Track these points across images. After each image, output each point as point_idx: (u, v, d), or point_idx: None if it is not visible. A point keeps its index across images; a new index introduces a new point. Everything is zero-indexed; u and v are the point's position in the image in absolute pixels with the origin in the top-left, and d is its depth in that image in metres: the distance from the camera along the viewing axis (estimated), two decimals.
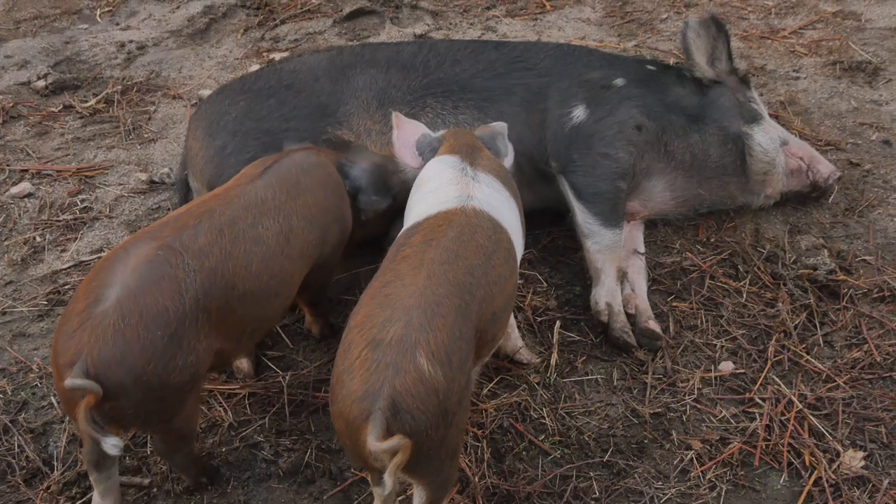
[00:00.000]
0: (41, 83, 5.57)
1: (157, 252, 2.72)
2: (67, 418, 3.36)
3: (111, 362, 2.52)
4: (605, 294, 3.79)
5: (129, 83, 5.60)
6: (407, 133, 3.42)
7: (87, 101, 5.40)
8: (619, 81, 4.16)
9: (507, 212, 3.08)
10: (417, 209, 3.05)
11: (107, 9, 6.43)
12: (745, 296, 3.88)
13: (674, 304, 3.87)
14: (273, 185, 3.15)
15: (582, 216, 3.92)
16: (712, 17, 4.30)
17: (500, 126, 3.52)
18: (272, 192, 3.12)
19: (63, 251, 4.25)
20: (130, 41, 6.05)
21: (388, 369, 2.37)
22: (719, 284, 3.94)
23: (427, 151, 3.35)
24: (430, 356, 2.41)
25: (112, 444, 2.54)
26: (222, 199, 3.03)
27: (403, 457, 2.27)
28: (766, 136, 4.25)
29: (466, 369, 2.57)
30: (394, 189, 3.62)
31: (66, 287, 4.02)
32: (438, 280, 2.61)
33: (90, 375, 2.49)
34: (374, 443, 2.28)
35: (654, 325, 3.71)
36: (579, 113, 4.03)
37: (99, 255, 4.19)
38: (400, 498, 2.91)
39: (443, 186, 3.08)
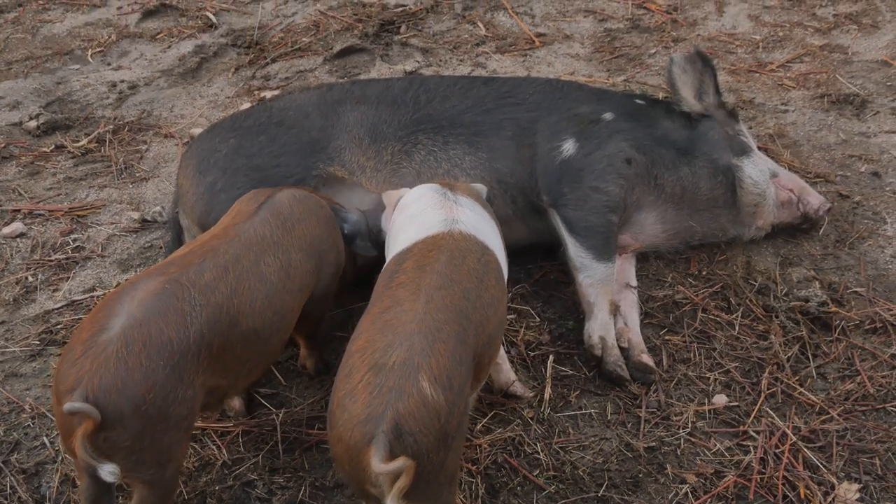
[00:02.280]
0: (33, 123, 5.57)
1: (164, 286, 2.76)
2: (61, 458, 3.35)
3: (112, 389, 2.52)
4: (599, 328, 3.79)
5: (120, 122, 5.61)
6: (393, 205, 3.43)
7: (78, 141, 5.41)
8: (608, 115, 4.18)
9: (491, 234, 3.16)
10: (404, 234, 3.10)
11: (98, 49, 6.44)
12: (737, 328, 3.89)
13: (666, 337, 3.88)
14: (269, 221, 3.19)
15: (574, 250, 3.93)
16: (698, 53, 4.33)
17: (479, 188, 3.54)
18: (269, 228, 3.17)
19: (55, 291, 4.24)
20: (122, 81, 6.06)
21: (392, 393, 2.40)
22: (712, 317, 3.96)
23: None
24: (433, 380, 2.45)
25: (109, 472, 2.56)
26: (223, 238, 3.07)
27: (407, 479, 2.29)
28: (756, 169, 4.27)
29: (465, 394, 2.61)
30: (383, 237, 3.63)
31: (59, 327, 4.01)
32: (437, 305, 2.67)
33: (90, 401, 2.48)
34: (379, 465, 2.30)
35: (647, 359, 3.71)
36: (569, 147, 4.05)
37: (91, 294, 4.20)
38: None
39: (427, 211, 3.15)
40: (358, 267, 3.72)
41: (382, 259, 3.17)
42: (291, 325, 3.24)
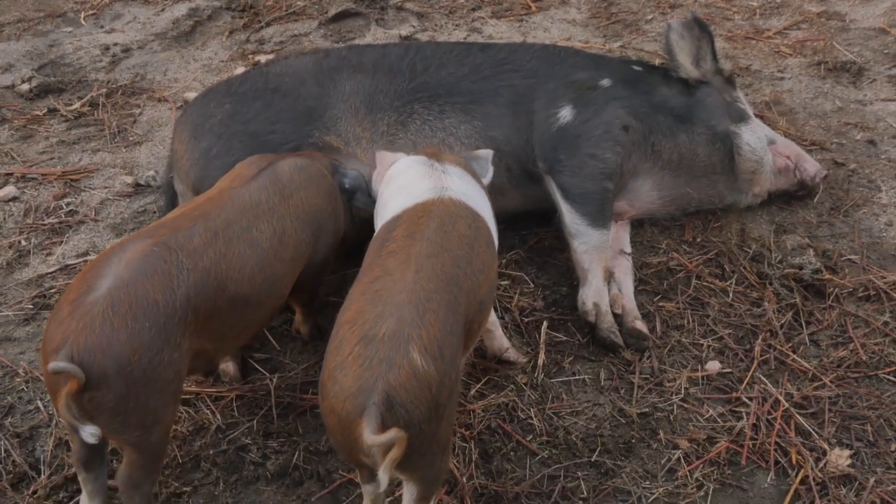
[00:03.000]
0: (25, 86, 5.56)
1: (152, 248, 2.75)
2: (55, 422, 3.36)
3: (96, 350, 2.52)
4: (593, 294, 3.80)
5: (113, 86, 5.60)
6: (385, 166, 3.43)
7: (71, 105, 5.40)
8: (606, 82, 4.16)
9: (480, 201, 3.15)
10: (393, 204, 3.09)
11: (91, 12, 6.42)
12: (731, 295, 3.90)
13: (660, 304, 3.89)
14: (267, 188, 3.18)
15: (569, 216, 3.93)
16: (695, 19, 4.32)
17: (486, 153, 3.54)
18: (266, 194, 3.16)
19: (48, 255, 4.24)
20: (115, 44, 6.04)
21: (382, 365, 2.40)
22: (706, 284, 3.96)
23: None
24: (423, 351, 2.44)
25: (90, 433, 2.58)
26: (216, 202, 3.06)
27: (399, 450, 2.29)
28: (754, 135, 4.27)
29: (457, 363, 2.61)
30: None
31: (52, 291, 4.01)
32: (427, 274, 2.65)
33: (75, 361, 2.48)
34: (371, 437, 2.30)
35: (640, 325, 3.72)
36: (566, 114, 4.03)
37: (85, 258, 4.19)
38: (389, 499, 2.91)
39: (415, 180, 3.14)
40: (359, 230, 3.69)
41: None
42: (284, 293, 3.23)
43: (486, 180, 3.44)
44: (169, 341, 2.67)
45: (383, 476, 2.33)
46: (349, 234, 3.65)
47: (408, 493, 2.63)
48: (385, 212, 3.11)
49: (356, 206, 3.64)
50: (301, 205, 3.25)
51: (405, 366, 2.40)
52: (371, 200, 3.57)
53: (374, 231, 3.08)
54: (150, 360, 2.61)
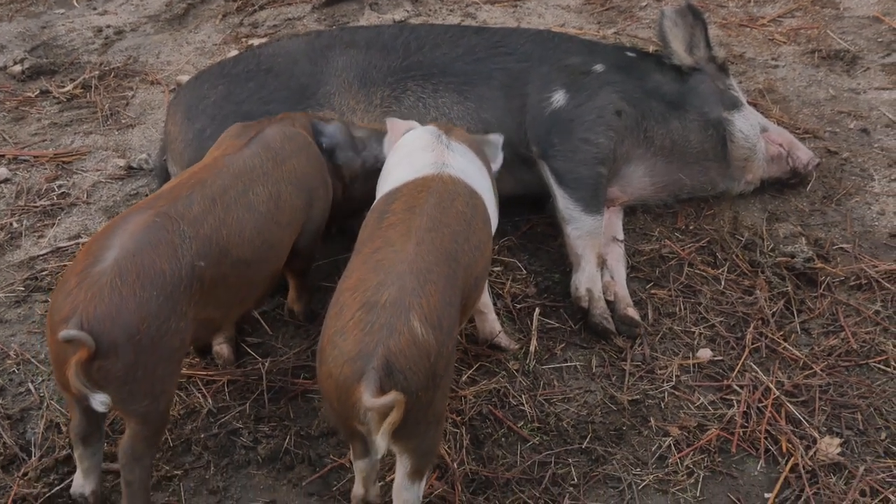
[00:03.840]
0: (17, 68, 5.53)
1: (154, 219, 2.78)
2: (46, 404, 3.35)
3: (106, 318, 2.54)
4: (586, 280, 3.79)
5: (106, 68, 5.58)
6: (397, 133, 3.46)
7: (64, 87, 5.38)
8: (599, 67, 4.16)
9: (481, 180, 3.20)
10: (395, 174, 3.16)
11: None
12: (723, 283, 3.90)
13: (652, 291, 3.89)
14: (260, 154, 3.22)
15: (563, 202, 3.92)
16: (689, 6, 4.31)
17: (495, 137, 3.56)
18: (259, 160, 3.20)
19: (40, 237, 4.23)
20: (108, 26, 6.01)
21: (383, 330, 2.44)
22: (698, 272, 3.96)
23: None
24: (423, 319, 2.49)
25: (101, 401, 2.60)
26: (212, 169, 3.10)
27: (398, 414, 2.31)
28: (747, 123, 4.27)
29: (454, 334, 2.66)
30: (363, 148, 3.65)
31: (44, 273, 4.00)
32: (427, 247, 2.71)
33: (85, 330, 2.50)
34: (370, 399, 2.33)
35: (632, 313, 3.72)
36: (559, 98, 4.03)
37: (77, 241, 4.19)
38: (379, 483, 2.91)
39: (418, 152, 3.19)
40: (347, 195, 3.69)
41: (373, 198, 3.17)
42: (281, 259, 3.28)
43: (496, 166, 3.48)
44: (176, 310, 2.71)
45: (381, 441, 2.36)
46: (338, 197, 3.63)
47: (401, 467, 2.63)
48: (387, 181, 3.18)
49: (341, 164, 3.62)
50: (294, 171, 3.29)
51: (405, 333, 2.44)
52: (352, 155, 3.61)
53: (368, 203, 3.11)
54: (157, 328, 2.64)
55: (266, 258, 3.12)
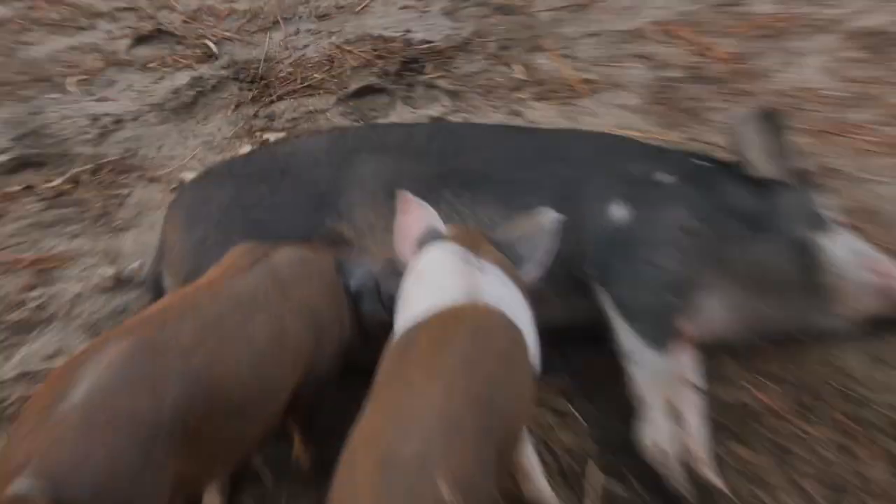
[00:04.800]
0: (1, 158, 5.52)
1: (135, 348, 2.60)
2: None
3: (68, 469, 2.32)
4: (651, 431, 3.55)
5: (100, 162, 5.54)
6: (412, 221, 3.27)
7: (51, 181, 5.33)
8: (667, 178, 4.02)
9: (519, 309, 2.98)
10: (417, 299, 2.94)
11: (81, 77, 6.49)
12: (819, 442, 3.63)
13: (735, 448, 3.63)
14: (265, 281, 3.08)
15: (623, 334, 3.72)
16: (768, 109, 4.17)
17: (550, 217, 3.30)
18: (264, 288, 3.05)
19: (8, 358, 4.08)
20: (105, 114, 6.05)
21: (403, 496, 2.21)
22: (791, 428, 3.69)
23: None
24: (452, 482, 2.25)
25: None
26: (208, 292, 2.95)
27: None
28: (839, 246, 4.03)
29: (492, 499, 2.45)
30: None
31: (7, 403, 3.84)
32: (457, 392, 2.49)
33: (41, 483, 2.27)
34: None
35: (711, 476, 3.47)
36: (620, 213, 3.88)
37: (51, 362, 4.03)
38: None
39: (446, 277, 2.98)
40: (368, 339, 3.50)
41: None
42: (280, 406, 3.08)
43: (532, 271, 3.22)
44: (152, 461, 2.49)
45: None
46: (355, 342, 3.49)
47: None
48: (407, 311, 2.94)
49: (363, 313, 3.49)
50: (303, 304, 3.15)
51: (430, 499, 2.21)
52: (379, 307, 3.45)
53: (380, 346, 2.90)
54: (130, 481, 2.41)
55: (263, 404, 2.93)
